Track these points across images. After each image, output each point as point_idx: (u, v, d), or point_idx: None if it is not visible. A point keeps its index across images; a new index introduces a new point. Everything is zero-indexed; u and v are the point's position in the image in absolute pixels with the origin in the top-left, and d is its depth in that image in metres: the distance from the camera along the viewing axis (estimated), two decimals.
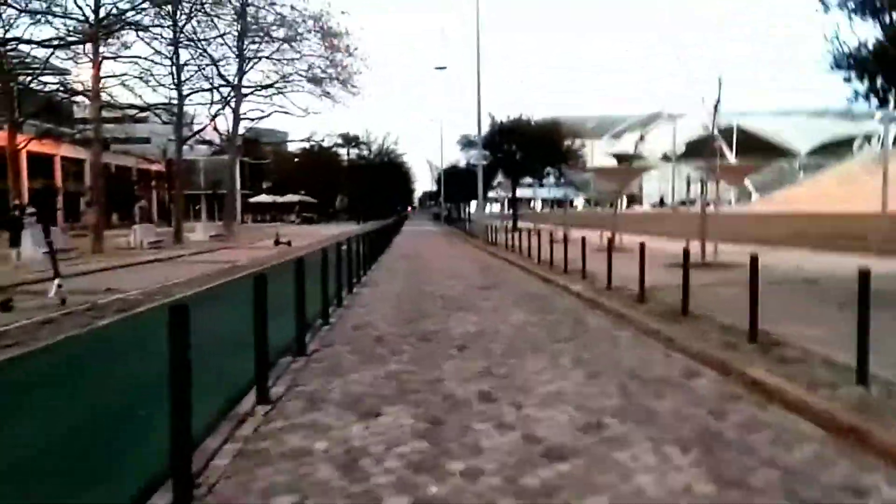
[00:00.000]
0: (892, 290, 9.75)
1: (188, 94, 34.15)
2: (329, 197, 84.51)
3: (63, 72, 30.43)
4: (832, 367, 6.34)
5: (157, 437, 4.32)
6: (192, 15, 32.12)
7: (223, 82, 36.40)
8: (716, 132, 27.94)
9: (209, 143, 46.78)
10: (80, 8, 25.30)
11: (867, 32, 10.68)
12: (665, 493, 3.90)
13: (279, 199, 78.41)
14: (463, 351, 7.91)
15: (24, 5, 24.58)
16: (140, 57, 30.88)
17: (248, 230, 50.11)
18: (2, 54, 25.52)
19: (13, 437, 5.30)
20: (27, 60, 29.38)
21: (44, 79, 29.86)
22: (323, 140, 68.80)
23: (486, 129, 40.85)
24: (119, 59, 29.75)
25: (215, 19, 33.72)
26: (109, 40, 27.72)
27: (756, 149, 79.93)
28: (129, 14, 27.34)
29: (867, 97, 10.72)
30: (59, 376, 7.32)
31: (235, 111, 37.92)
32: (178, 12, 31.14)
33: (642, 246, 11.14)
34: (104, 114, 31.21)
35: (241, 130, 40.67)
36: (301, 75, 38.56)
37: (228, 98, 37.14)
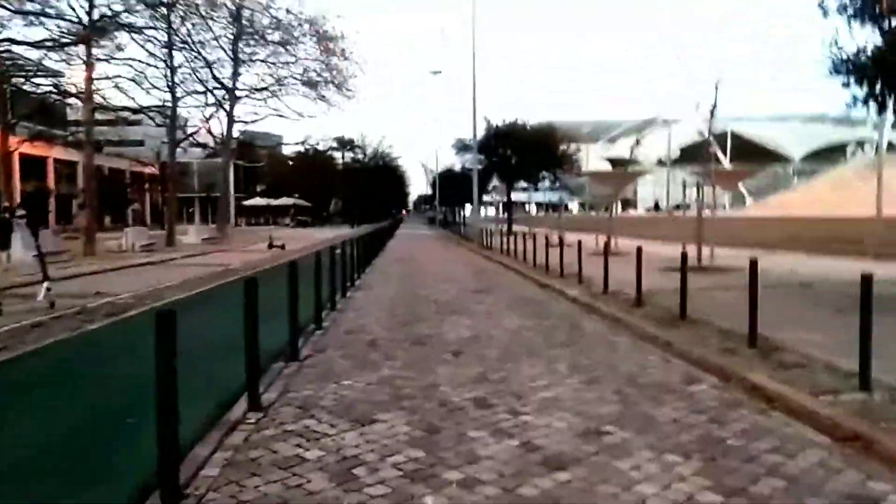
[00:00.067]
0: (889, 294, 9.66)
1: (182, 97, 34.03)
2: (324, 200, 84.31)
3: (56, 73, 30.20)
4: (834, 373, 6.25)
5: (144, 446, 4.18)
6: (187, 17, 31.99)
7: (217, 85, 36.28)
8: (711, 137, 27.98)
9: (203, 145, 46.53)
10: (74, 9, 25.16)
11: (866, 38, 10.65)
12: None
13: (273, 202, 78.14)
14: (458, 356, 7.78)
15: (17, 6, 24.39)
16: (134, 59, 30.71)
17: (241, 233, 49.90)
18: None
19: None
20: (20, 62, 29.15)
21: (37, 81, 29.65)
22: (318, 143, 68.64)
23: (481, 132, 40.83)
24: (112, 61, 29.54)
25: (210, 22, 33.61)
26: (103, 42, 27.53)
27: (750, 154, 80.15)
28: (122, 16, 27.20)
29: (866, 102, 10.66)
30: (43, 383, 7.15)
31: (230, 114, 37.78)
32: (173, 14, 31.00)
33: (639, 250, 11.06)
34: (97, 116, 31.04)
35: (235, 133, 40.55)
36: (296, 78, 38.48)
37: (222, 101, 36.99)
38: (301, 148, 70.97)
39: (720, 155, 72.17)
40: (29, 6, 24.58)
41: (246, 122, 41.24)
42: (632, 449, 4.61)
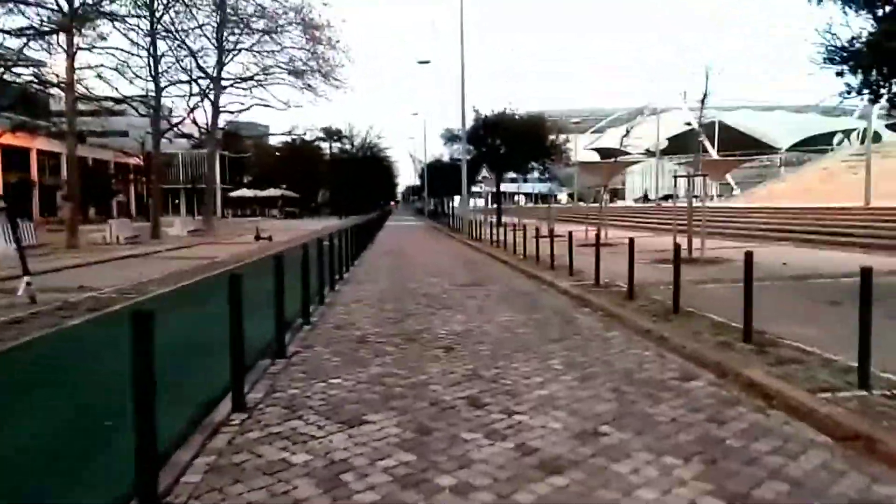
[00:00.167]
0: (879, 284, 9.58)
1: (166, 86, 33.50)
2: (311, 191, 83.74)
3: (38, 63, 29.63)
4: (831, 368, 6.14)
5: (122, 451, 3.97)
6: (170, 5, 31.45)
7: (202, 74, 35.75)
8: (699, 127, 27.91)
9: (188, 136, 45.98)
10: None
11: (860, 25, 10.52)
12: None
13: (260, 193, 77.48)
14: (449, 352, 7.61)
15: None
16: (116, 48, 30.19)
17: (228, 225, 49.46)
18: None
19: None
20: (0, 52, 28.57)
21: (17, 70, 29.07)
22: (305, 134, 68.10)
23: (470, 123, 40.59)
24: (95, 50, 29.00)
25: (193, 10, 33.07)
26: (85, 31, 27.00)
27: (737, 144, 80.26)
28: (104, 4, 26.69)
29: (860, 91, 10.54)
30: (14, 383, 6.90)
31: (215, 103, 37.26)
32: (156, 2, 30.48)
33: (631, 242, 10.92)
34: (80, 106, 30.47)
35: (220, 123, 40.03)
36: (282, 67, 38.00)
37: (207, 90, 36.49)
38: (288, 138, 70.43)
39: (707, 145, 72.32)
40: None
41: (232, 112, 40.79)
42: (630, 451, 4.47)
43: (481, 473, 4.13)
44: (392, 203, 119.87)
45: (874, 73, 10.16)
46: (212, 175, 42.75)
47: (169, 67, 33.65)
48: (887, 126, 73.03)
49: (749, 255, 7.63)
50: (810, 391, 5.48)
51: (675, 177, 24.84)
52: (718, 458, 4.33)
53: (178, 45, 33.59)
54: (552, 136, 43.74)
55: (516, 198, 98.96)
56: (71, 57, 25.50)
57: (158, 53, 32.01)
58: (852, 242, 20.79)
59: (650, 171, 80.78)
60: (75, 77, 26.54)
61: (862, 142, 48.53)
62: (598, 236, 15.47)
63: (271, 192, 76.71)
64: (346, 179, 75.08)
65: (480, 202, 70.71)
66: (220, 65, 36.34)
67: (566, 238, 15.01)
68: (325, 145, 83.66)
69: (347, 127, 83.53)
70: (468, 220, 34.43)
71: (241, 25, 36.06)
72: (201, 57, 35.28)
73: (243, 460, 4.41)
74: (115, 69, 30.38)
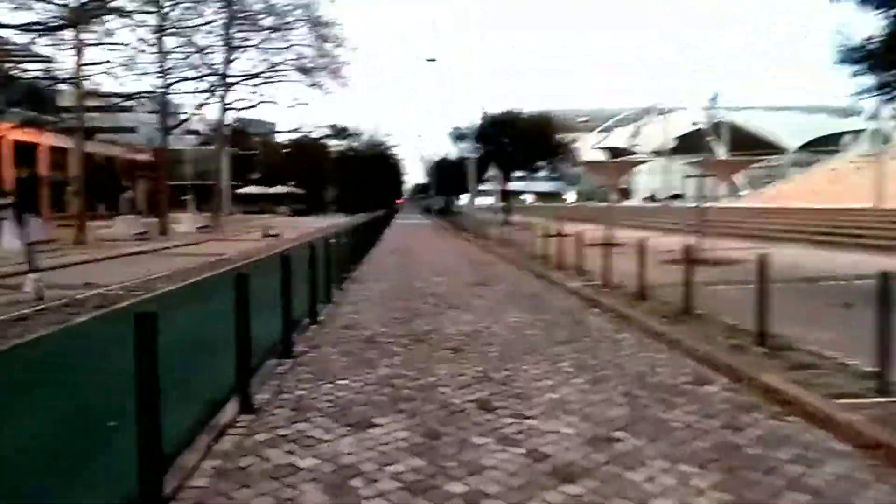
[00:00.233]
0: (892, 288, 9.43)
1: (174, 83, 33.49)
2: (318, 188, 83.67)
3: (46, 59, 29.65)
4: (848, 373, 6.02)
5: (125, 454, 3.88)
6: (179, 1, 31.43)
7: (209, 71, 35.73)
8: (709, 127, 27.69)
9: (196, 133, 46.01)
10: None
11: (876, 25, 10.35)
12: None
13: (268, 190, 77.50)
14: (457, 353, 7.52)
15: None
16: (124, 44, 30.15)
17: (236, 222, 49.46)
18: None
19: None
20: (8, 47, 28.59)
21: (25, 66, 29.10)
22: (311, 131, 68.01)
23: (478, 121, 40.50)
24: (102, 46, 28.97)
25: (201, 6, 33.03)
26: (92, 27, 26.97)
27: (746, 144, 79.82)
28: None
29: (874, 92, 10.39)
30: (17, 383, 6.83)
31: (223, 100, 37.26)
32: None
33: (642, 242, 10.80)
34: (89, 102, 30.50)
35: (228, 120, 40.00)
36: (290, 64, 37.93)
37: (215, 87, 36.47)
38: (295, 136, 70.36)
39: (717, 145, 71.94)
40: None
41: (239, 110, 40.71)
42: (644, 458, 4.36)
43: (493, 480, 4.03)
44: (399, 201, 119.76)
45: (889, 73, 9.99)
46: (220, 172, 42.75)
47: (177, 64, 33.65)
48: None
49: (764, 258, 7.50)
50: (828, 397, 5.36)
51: (686, 177, 24.67)
52: (736, 467, 4.22)
53: (187, 42, 33.57)
54: (559, 136, 43.60)
55: (523, 196, 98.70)
56: (79, 53, 25.50)
57: (166, 50, 31.99)
58: (863, 244, 20.57)
59: (658, 171, 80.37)
60: (83, 73, 26.56)
61: (871, 143, 48.13)
62: (606, 236, 15.34)
63: (279, 189, 76.73)
64: (352, 177, 75.00)
65: (489, 200, 70.51)
66: (228, 62, 36.32)
67: (574, 238, 14.89)
68: (331, 142, 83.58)
69: (355, 124, 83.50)
70: (475, 218, 34.32)
71: (249, 22, 36.00)
72: (209, 54, 35.28)
73: (250, 464, 4.33)
74: (124, 65, 30.37)
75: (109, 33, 28.62)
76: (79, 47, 25.55)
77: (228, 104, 37.90)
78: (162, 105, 33.20)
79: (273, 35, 36.69)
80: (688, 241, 12.56)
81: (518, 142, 40.68)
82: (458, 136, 49.68)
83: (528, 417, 5.20)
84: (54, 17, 24.66)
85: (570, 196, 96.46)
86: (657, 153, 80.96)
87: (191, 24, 33.24)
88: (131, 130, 57.48)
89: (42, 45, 26.92)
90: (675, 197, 61.34)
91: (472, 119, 38.19)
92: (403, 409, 5.43)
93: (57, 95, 38.87)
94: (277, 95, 38.55)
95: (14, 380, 6.97)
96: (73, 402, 6.00)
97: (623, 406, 5.48)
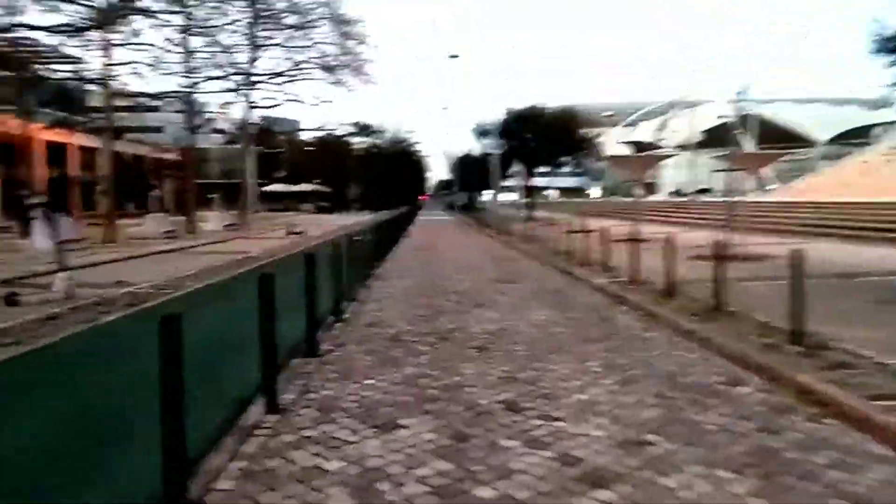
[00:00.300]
0: None
1: (199, 82, 33.80)
2: (342, 186, 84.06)
3: (75, 60, 30.11)
4: (887, 373, 5.83)
5: (152, 456, 3.87)
6: (204, 1, 31.70)
7: (235, 70, 36.01)
8: (737, 120, 27.24)
9: (222, 131, 46.44)
10: None
11: None
12: None
13: (293, 188, 78.06)
14: (483, 352, 7.44)
15: None
16: (150, 44, 30.48)
17: (261, 220, 49.85)
18: (15, 42, 25.21)
19: None
20: (38, 48, 29.07)
21: (55, 67, 29.58)
22: (335, 129, 68.30)
23: (501, 117, 40.30)
24: (129, 47, 29.33)
25: (226, 5, 33.29)
26: (119, 27, 27.31)
27: (776, 137, 78.52)
28: (138, 0, 26.96)
29: None
30: (42, 383, 6.86)
31: (247, 99, 37.54)
32: None
33: (669, 237, 10.62)
34: (116, 102, 30.91)
35: (253, 119, 40.30)
36: (313, 62, 38.08)
37: (240, 86, 36.74)
38: (319, 133, 70.71)
39: (744, 138, 70.87)
40: None
41: (264, 108, 40.99)
42: (678, 462, 4.24)
43: (522, 485, 3.95)
44: (422, 197, 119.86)
45: None
46: (246, 170, 43.11)
47: (203, 63, 33.96)
48: None
49: (797, 253, 7.31)
50: (867, 398, 5.19)
51: (714, 171, 24.28)
52: (773, 472, 4.08)
53: (212, 41, 33.86)
54: (583, 130, 43.25)
55: (547, 192, 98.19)
56: (107, 53, 25.84)
57: (192, 49, 32.30)
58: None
59: (684, 165, 79.39)
60: (111, 73, 26.91)
61: None
62: (632, 232, 15.13)
63: (304, 186, 77.23)
64: (376, 174, 75.23)
65: (512, 196, 70.23)
66: (253, 60, 36.57)
67: (598, 233, 14.71)
68: (355, 140, 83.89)
69: (377, 122, 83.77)
70: (499, 214, 34.18)
71: (273, 21, 36.21)
72: (234, 53, 35.55)
73: (276, 466, 4.30)
74: (150, 65, 30.70)
75: (136, 33, 28.98)
76: (106, 47, 25.86)
77: (253, 103, 38.21)
78: (188, 104, 33.53)
79: (296, 33, 36.91)
80: (715, 236, 12.34)
81: (542, 137, 40.42)
82: (482, 132, 49.52)
83: (556, 419, 5.11)
84: (82, 18, 24.99)
85: (595, 191, 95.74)
86: (683, 147, 80.00)
87: (216, 24, 33.53)
88: (158, 130, 58.26)
89: (71, 46, 27.34)
90: (703, 191, 60.53)
91: (493, 115, 37.97)
92: (430, 410, 5.37)
93: (86, 96, 39.53)
94: (302, 94, 38.62)
95: (43, 378, 7.02)
96: (99, 402, 6.02)
97: (654, 407, 5.36)
